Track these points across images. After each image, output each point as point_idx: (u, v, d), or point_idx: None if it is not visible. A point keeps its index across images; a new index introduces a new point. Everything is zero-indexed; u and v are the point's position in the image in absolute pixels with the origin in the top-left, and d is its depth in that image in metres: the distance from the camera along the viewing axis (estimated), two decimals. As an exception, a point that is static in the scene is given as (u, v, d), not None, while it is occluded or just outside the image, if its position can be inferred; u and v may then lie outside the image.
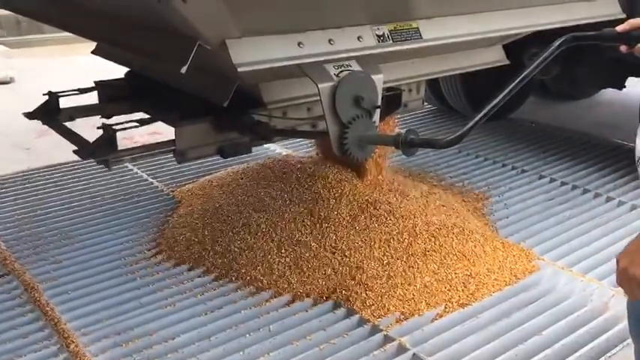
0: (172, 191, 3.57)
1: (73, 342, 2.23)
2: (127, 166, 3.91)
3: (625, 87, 4.21)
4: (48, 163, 4.05)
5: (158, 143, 2.29)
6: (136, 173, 3.86)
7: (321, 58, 1.93)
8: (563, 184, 3.61)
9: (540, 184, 3.63)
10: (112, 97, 2.78)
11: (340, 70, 1.91)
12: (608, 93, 5.35)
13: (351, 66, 1.94)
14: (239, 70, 1.75)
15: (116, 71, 2.94)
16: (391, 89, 2.68)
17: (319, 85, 1.89)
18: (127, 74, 2.90)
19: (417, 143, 1.84)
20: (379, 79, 1.99)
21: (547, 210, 3.29)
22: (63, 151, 4.29)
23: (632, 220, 3.14)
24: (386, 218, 2.75)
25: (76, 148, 2.29)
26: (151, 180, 3.75)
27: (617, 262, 1.19)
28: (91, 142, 2.21)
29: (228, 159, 3.89)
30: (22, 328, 2.36)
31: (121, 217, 3.27)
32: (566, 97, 5.38)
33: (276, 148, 4.19)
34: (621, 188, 3.54)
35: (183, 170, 3.88)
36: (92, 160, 3.64)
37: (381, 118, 2.28)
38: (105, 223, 3.20)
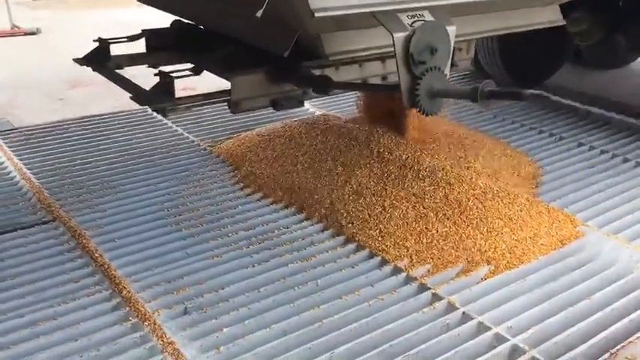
0: (210, 146, 3.55)
1: (125, 288, 2.25)
2: (161, 120, 3.90)
3: None
4: (82, 114, 4.04)
5: (214, 93, 2.27)
6: (171, 127, 3.84)
7: (396, 7, 1.87)
8: (602, 152, 3.56)
9: (579, 152, 3.58)
10: (159, 46, 2.74)
11: (414, 19, 1.86)
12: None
13: (424, 16, 1.88)
14: (316, 15, 1.71)
15: (143, 24, 2.87)
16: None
17: (394, 35, 1.84)
18: (173, 23, 2.85)
19: (498, 94, 1.77)
20: (452, 31, 1.93)
21: (588, 177, 3.25)
22: (96, 103, 4.30)
23: (673, 190, 3.10)
24: (431, 181, 2.74)
25: (130, 95, 2.28)
26: (187, 134, 3.74)
27: None
28: (148, 89, 2.19)
29: (261, 118, 3.89)
30: (72, 273, 2.37)
31: (160, 170, 3.27)
32: (602, 65, 5.29)
33: (309, 108, 4.15)
34: (662, 157, 3.49)
35: (217, 125, 3.87)
36: (128, 112, 3.64)
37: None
38: (145, 175, 3.21)
